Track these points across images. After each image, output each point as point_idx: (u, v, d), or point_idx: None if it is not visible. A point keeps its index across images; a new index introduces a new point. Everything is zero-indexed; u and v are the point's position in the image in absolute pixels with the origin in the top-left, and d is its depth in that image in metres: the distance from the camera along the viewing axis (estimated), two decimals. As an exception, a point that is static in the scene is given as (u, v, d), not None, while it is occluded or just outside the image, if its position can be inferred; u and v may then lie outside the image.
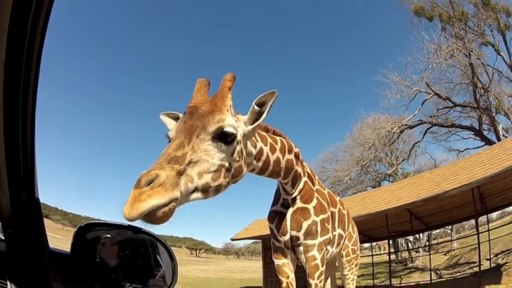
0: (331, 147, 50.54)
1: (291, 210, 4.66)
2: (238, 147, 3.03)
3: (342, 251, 6.21)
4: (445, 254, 39.21)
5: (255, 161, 3.66)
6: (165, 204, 2.32)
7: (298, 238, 4.62)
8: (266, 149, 3.82)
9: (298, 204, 4.65)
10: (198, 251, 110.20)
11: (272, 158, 3.93)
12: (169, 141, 2.82)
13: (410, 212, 21.80)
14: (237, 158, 3.04)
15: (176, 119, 3.17)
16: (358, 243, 6.80)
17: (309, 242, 4.63)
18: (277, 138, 4.15)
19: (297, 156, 4.45)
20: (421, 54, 35.07)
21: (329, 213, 4.97)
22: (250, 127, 3.15)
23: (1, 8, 1.06)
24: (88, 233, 2.13)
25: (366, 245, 35.50)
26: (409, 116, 37.66)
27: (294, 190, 4.59)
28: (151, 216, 2.26)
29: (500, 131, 34.40)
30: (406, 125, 37.94)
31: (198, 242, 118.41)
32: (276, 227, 4.75)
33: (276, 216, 4.77)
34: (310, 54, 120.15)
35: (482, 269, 19.58)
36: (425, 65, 34.77)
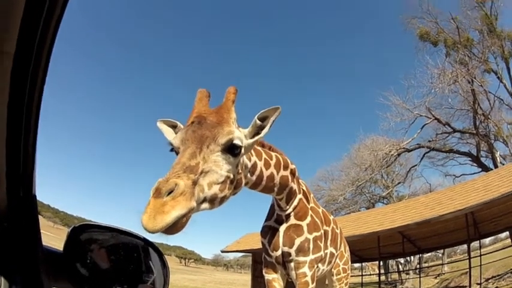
0: (328, 166, 50.59)
1: (284, 226, 4.60)
2: (241, 160, 3.06)
3: (332, 270, 6.13)
4: (436, 277, 39.11)
5: (249, 175, 3.62)
6: (185, 215, 2.34)
7: (290, 254, 4.56)
8: (260, 164, 3.80)
9: (292, 220, 4.60)
10: (187, 260, 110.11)
11: (266, 173, 3.90)
12: (172, 149, 2.86)
13: (402, 235, 21.82)
14: (240, 171, 3.07)
15: (173, 126, 3.18)
16: (349, 262, 6.72)
17: (301, 258, 4.56)
18: (273, 154, 4.13)
19: (292, 173, 4.41)
20: (425, 78, 35.44)
21: (322, 231, 4.92)
22: (250, 141, 3.11)
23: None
24: (82, 234, 2.09)
25: (356, 265, 35.43)
26: (407, 140, 37.86)
27: (288, 206, 4.55)
28: (172, 227, 2.28)
29: (498, 158, 34.54)
30: (404, 148, 38.05)
31: (188, 251, 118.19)
32: (268, 242, 4.70)
33: (269, 232, 4.71)
34: (311, 72, 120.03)
35: (472, 293, 19.55)
36: (428, 89, 35.07)
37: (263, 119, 3.13)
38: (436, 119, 36.15)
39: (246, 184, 3.62)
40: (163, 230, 2.20)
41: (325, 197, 45.10)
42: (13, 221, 1.54)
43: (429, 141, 38.58)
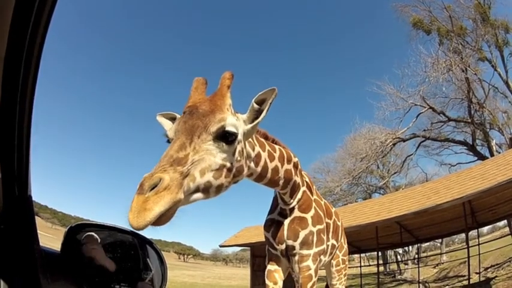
0: (323, 157, 50.65)
1: (288, 220, 4.56)
2: (239, 147, 2.98)
3: (332, 261, 6.14)
4: (434, 267, 39.27)
5: (253, 165, 3.55)
6: (170, 208, 2.30)
7: (294, 247, 4.53)
8: (264, 155, 3.72)
9: (296, 213, 4.56)
10: (186, 256, 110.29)
11: (270, 165, 3.83)
12: (168, 141, 2.78)
13: (400, 225, 21.85)
14: (239, 158, 2.99)
15: (172, 119, 3.12)
16: (348, 254, 6.78)
17: (304, 251, 4.53)
18: (276, 147, 4.06)
19: (295, 166, 4.35)
20: (418, 68, 35.23)
21: (325, 224, 4.90)
22: (249, 126, 3.07)
23: (4, 2, 1.06)
24: (79, 233, 2.09)
25: (355, 255, 35.54)
26: (403, 129, 37.77)
27: (292, 200, 4.50)
28: (158, 220, 2.23)
29: (494, 147, 34.64)
30: (399, 138, 38.01)
31: (186, 247, 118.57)
32: (272, 236, 4.66)
33: (273, 225, 4.67)
34: (305, 63, 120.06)
35: (471, 282, 19.64)
36: (422, 78, 34.92)
37: (260, 102, 3.08)
38: (430, 108, 36.15)
39: (250, 176, 3.60)
40: (147, 226, 2.16)
41: (321, 188, 45.03)
42: (9, 223, 1.52)
43: (424, 130, 38.56)
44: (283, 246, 4.57)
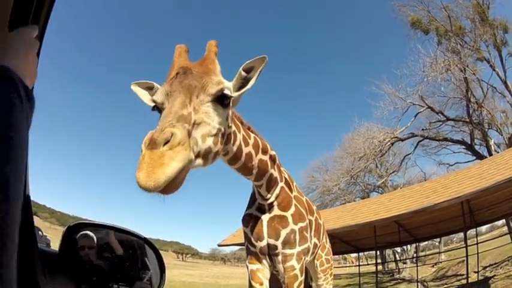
0: (322, 156, 50.72)
1: (267, 217, 4.42)
2: (230, 113, 2.91)
3: (315, 261, 6.07)
4: (433, 266, 39.28)
5: (230, 142, 3.42)
6: (186, 167, 2.14)
7: (276, 247, 4.41)
8: (239, 137, 3.59)
9: (276, 211, 4.42)
10: (184, 255, 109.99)
11: (245, 150, 3.70)
12: (154, 107, 2.67)
13: (398, 224, 21.83)
14: (230, 124, 2.95)
15: (149, 88, 3.03)
16: (331, 253, 6.61)
17: (288, 251, 4.42)
18: (251, 134, 3.94)
19: (272, 159, 4.26)
20: (417, 67, 35.35)
21: (307, 221, 4.78)
22: (236, 94, 2.95)
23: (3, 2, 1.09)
24: (77, 232, 2.10)
25: (353, 255, 35.55)
26: (401, 128, 37.81)
27: (269, 195, 4.35)
28: (171, 183, 2.03)
29: (492, 146, 34.66)
30: (397, 137, 38.06)
31: (185, 246, 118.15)
32: (250, 231, 4.52)
33: (251, 220, 4.53)
34: (303, 61, 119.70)
35: (469, 281, 19.65)
36: (420, 78, 35.04)
37: (248, 70, 2.98)
38: (429, 107, 36.20)
39: (226, 154, 3.48)
40: (166, 184, 1.95)
41: (319, 187, 45.28)
42: None
43: (422, 129, 38.61)
44: (263, 243, 4.44)
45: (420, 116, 37.92)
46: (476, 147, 37.81)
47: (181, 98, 2.45)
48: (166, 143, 2.04)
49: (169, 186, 2.03)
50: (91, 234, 2.18)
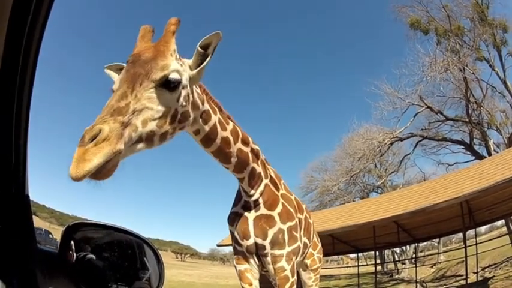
0: (321, 156, 50.82)
1: (253, 215, 4.34)
2: (184, 92, 2.95)
3: (305, 260, 5.94)
4: (432, 267, 39.34)
5: (201, 121, 3.45)
6: (110, 159, 2.26)
7: (264, 247, 4.32)
8: (215, 118, 3.61)
9: (262, 210, 4.33)
10: (183, 255, 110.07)
11: (221, 133, 3.70)
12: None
13: (397, 224, 21.88)
14: (184, 103, 2.96)
15: (121, 70, 2.97)
16: (322, 253, 6.49)
17: (277, 252, 4.34)
18: (230, 122, 3.91)
19: (255, 153, 4.22)
20: (416, 67, 35.38)
21: (296, 219, 4.68)
22: (195, 71, 3.04)
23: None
24: (76, 232, 2.12)
25: (352, 255, 35.60)
26: (400, 128, 37.86)
27: (253, 191, 4.27)
28: (96, 173, 2.19)
29: (492, 146, 34.73)
30: (397, 137, 38.10)
31: (184, 246, 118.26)
32: (236, 230, 4.44)
33: (237, 218, 4.44)
34: (302, 62, 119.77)
35: (469, 282, 19.68)
36: (420, 77, 35.07)
37: (205, 46, 3.05)
38: (428, 107, 36.24)
39: (197, 134, 3.51)
40: (86, 177, 2.12)
41: (319, 187, 45.47)
42: (6, 222, 1.52)
43: (422, 129, 38.68)
44: (249, 242, 4.36)
45: (419, 116, 38.05)
46: (476, 147, 37.90)
47: (123, 89, 2.56)
48: (94, 139, 2.20)
49: (96, 175, 2.21)
50: (90, 234, 2.19)
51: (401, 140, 39.52)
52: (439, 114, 37.32)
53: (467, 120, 35.60)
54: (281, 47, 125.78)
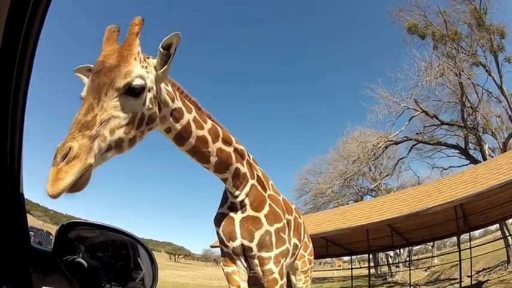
0: (315, 159, 50.82)
1: (239, 216, 4.30)
2: (149, 95, 2.96)
3: (297, 261, 5.92)
4: (426, 270, 39.44)
5: (171, 119, 3.44)
6: (82, 175, 2.32)
7: (251, 249, 4.28)
8: (188, 117, 3.59)
9: (249, 211, 4.30)
10: (177, 256, 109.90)
11: (196, 131, 3.67)
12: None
13: (391, 227, 21.93)
14: (150, 106, 2.97)
15: (90, 71, 2.96)
16: (313, 254, 6.43)
17: (264, 254, 4.30)
18: (209, 121, 3.90)
19: (239, 153, 4.18)
20: (412, 71, 35.40)
21: (284, 221, 4.63)
22: (160, 71, 3.06)
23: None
24: (70, 231, 2.12)
25: (346, 258, 35.64)
26: (395, 132, 37.92)
27: (239, 192, 4.24)
28: (72, 188, 2.27)
29: (487, 151, 34.83)
30: (391, 140, 38.15)
31: (177, 247, 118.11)
32: (223, 231, 4.39)
33: (223, 219, 4.39)
34: (299, 64, 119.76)
35: (463, 285, 19.75)
36: (415, 82, 35.08)
37: (167, 47, 3.06)
38: (423, 111, 36.29)
39: (168, 132, 3.51)
40: (62, 194, 2.20)
41: (313, 190, 45.55)
42: (1, 220, 1.53)
43: (417, 133, 38.77)
44: (235, 243, 4.32)
45: (414, 120, 38.15)
46: (471, 152, 38.00)
47: (89, 101, 2.60)
48: (65, 157, 2.30)
49: (73, 189, 2.31)
50: (84, 233, 2.19)
51: (396, 143, 39.57)
52: (434, 118, 37.40)
53: (462, 124, 35.74)
54: (278, 50, 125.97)
